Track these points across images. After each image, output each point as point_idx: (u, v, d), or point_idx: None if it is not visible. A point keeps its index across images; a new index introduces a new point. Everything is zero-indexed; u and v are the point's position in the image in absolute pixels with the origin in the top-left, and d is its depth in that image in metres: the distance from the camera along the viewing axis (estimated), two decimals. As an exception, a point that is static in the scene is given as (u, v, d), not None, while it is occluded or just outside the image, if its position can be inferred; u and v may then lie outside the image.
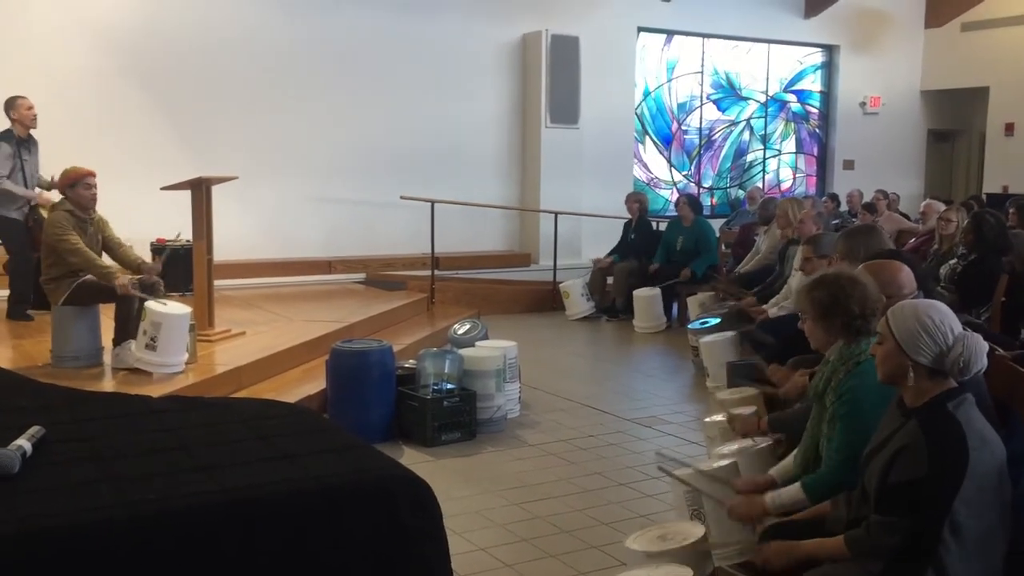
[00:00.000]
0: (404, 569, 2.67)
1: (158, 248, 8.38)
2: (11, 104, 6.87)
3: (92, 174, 5.58)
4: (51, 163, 6.93)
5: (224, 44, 9.52)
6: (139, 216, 7.84)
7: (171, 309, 5.33)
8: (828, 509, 2.71)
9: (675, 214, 9.89)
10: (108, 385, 5.19)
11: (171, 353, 5.32)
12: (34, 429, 2.94)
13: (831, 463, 2.87)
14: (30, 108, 6.86)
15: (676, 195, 12.17)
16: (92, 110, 8.84)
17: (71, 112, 8.57)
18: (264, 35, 9.74)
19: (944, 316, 2.40)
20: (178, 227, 7.40)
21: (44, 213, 6.37)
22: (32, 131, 6.93)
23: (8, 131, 6.81)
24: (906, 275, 3.39)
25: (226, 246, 7.63)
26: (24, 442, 2.81)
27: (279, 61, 9.82)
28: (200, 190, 6.35)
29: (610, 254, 10.00)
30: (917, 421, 2.36)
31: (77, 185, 5.50)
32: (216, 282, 6.61)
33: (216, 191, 6.50)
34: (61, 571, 2.29)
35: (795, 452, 3.17)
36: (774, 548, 2.62)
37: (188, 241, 6.94)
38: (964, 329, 2.42)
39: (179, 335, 5.36)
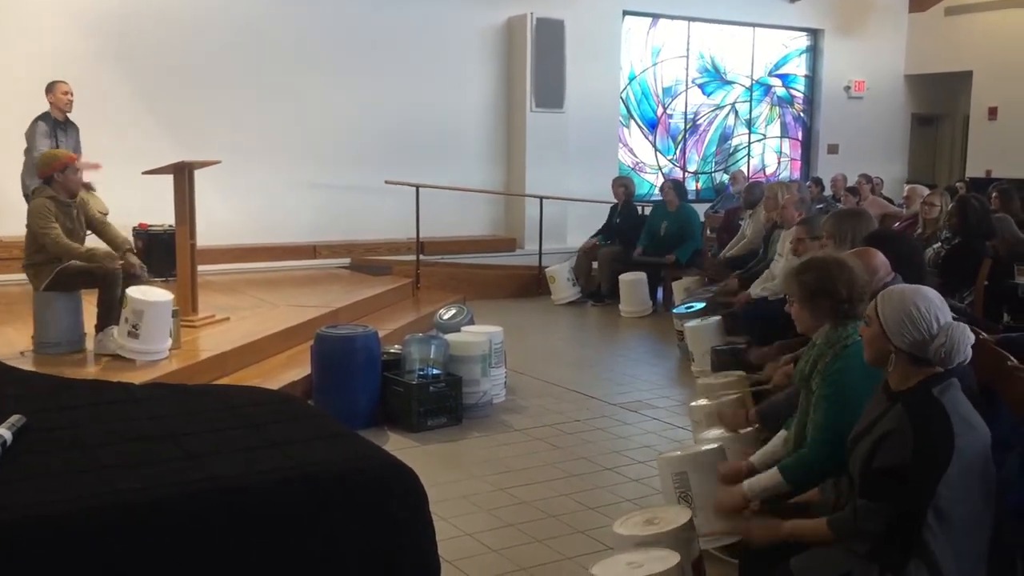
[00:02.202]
0: (392, 556, 2.67)
1: (139, 233, 8.32)
2: (50, 88, 7.15)
3: (75, 157, 5.77)
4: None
5: (208, 28, 9.42)
6: (121, 201, 7.77)
7: (152, 296, 5.29)
8: (816, 495, 2.73)
9: (660, 198, 9.89)
10: (91, 372, 5.15)
11: (154, 340, 5.29)
12: (14, 418, 2.91)
13: (811, 443, 2.87)
14: (65, 92, 7.14)
15: (661, 179, 12.17)
16: (73, 93, 8.72)
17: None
18: (247, 19, 9.63)
19: (930, 305, 2.40)
20: (159, 211, 7.37)
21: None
22: (68, 115, 7.18)
23: (47, 113, 7.05)
24: (880, 260, 3.47)
25: (209, 231, 7.58)
26: (4, 431, 2.78)
27: (263, 46, 9.72)
28: (183, 174, 6.29)
29: (596, 235, 10.00)
30: (903, 406, 2.36)
31: (67, 170, 5.51)
32: (199, 267, 6.56)
33: (199, 176, 6.45)
34: (46, 561, 2.27)
35: (783, 437, 3.18)
36: (757, 525, 2.68)
37: (171, 226, 6.89)
38: (952, 319, 2.42)
39: (161, 322, 5.34)
